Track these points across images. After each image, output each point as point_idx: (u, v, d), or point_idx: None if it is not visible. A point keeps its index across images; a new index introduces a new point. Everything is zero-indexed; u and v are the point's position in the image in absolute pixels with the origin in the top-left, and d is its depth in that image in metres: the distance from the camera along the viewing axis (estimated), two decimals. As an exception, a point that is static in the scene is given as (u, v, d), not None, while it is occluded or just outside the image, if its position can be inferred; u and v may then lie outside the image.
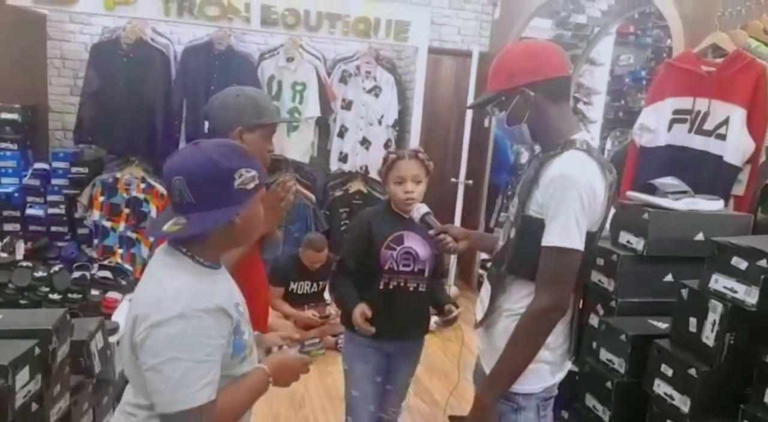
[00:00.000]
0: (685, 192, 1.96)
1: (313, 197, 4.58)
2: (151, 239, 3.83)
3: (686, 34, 2.74)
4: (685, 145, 2.41)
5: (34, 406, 1.52)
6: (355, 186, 4.72)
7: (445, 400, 3.08)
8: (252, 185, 1.10)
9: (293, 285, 3.75)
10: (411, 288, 1.92)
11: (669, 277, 1.87)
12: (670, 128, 2.49)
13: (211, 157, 1.08)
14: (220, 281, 1.15)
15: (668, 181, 2.01)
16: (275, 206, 1.68)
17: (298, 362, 1.30)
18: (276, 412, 2.92)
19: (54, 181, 4.03)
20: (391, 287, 1.90)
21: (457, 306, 1.94)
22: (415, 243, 1.92)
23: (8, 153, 3.99)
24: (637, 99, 6.31)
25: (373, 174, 4.53)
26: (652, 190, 1.96)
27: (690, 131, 2.40)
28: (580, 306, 1.59)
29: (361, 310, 1.82)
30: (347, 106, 4.57)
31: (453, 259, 4.61)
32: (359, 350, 1.96)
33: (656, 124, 2.53)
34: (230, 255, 1.43)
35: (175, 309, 1.03)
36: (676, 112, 2.46)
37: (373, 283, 1.90)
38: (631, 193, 2.03)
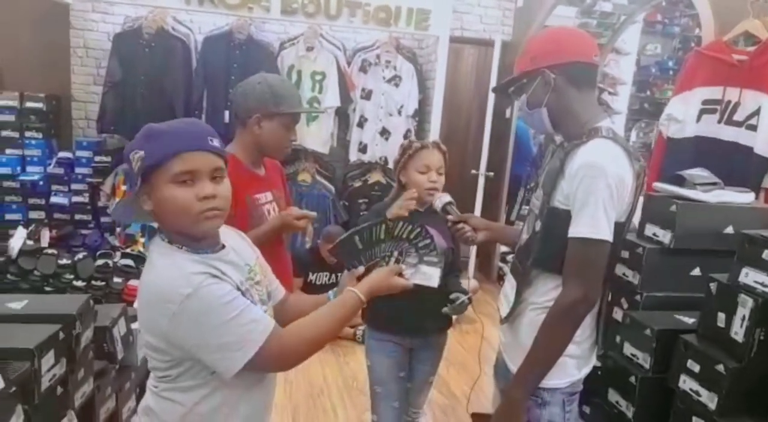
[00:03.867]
0: (714, 183, 1.91)
1: (332, 188, 4.58)
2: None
3: (716, 21, 2.65)
4: (714, 136, 2.35)
5: (59, 390, 1.54)
6: (375, 176, 4.71)
7: (462, 392, 3.08)
8: (137, 166, 1.06)
9: (311, 276, 3.77)
10: (441, 284, 1.88)
11: (696, 271, 1.82)
12: (698, 119, 2.42)
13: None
14: (213, 263, 1.12)
15: (697, 173, 1.96)
16: (289, 224, 1.75)
17: (391, 277, 1.25)
18: (295, 403, 2.94)
19: (78, 170, 4.09)
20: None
21: (465, 293, 1.89)
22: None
23: (33, 142, 4.06)
24: (663, 89, 6.19)
25: (393, 164, 4.50)
26: (680, 182, 1.91)
27: (720, 122, 2.33)
28: (608, 299, 1.56)
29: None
30: (367, 95, 4.54)
31: (473, 252, 4.58)
32: (381, 345, 1.95)
33: (684, 115, 2.47)
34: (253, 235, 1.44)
35: (179, 294, 1.03)
36: (705, 102, 2.40)
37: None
38: (658, 184, 1.98)
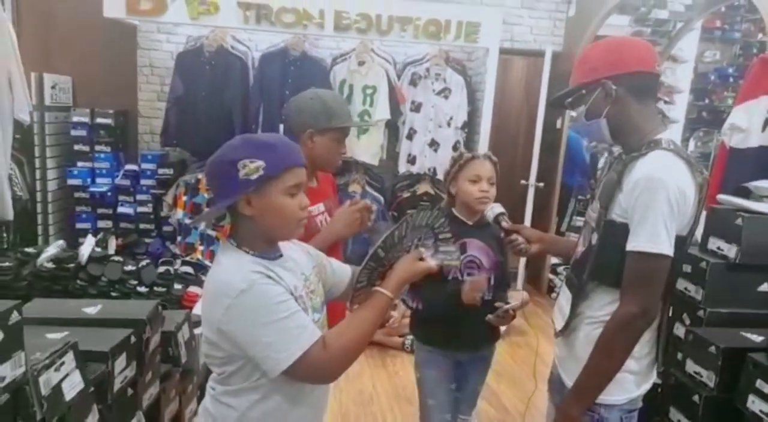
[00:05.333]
0: (783, 196, 1.83)
1: (381, 199, 4.63)
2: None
3: (784, 27, 2.56)
4: (782, 146, 2.26)
5: (129, 391, 1.63)
6: (423, 187, 4.73)
7: (512, 405, 3.04)
8: (256, 175, 1.11)
9: None
10: (484, 297, 1.85)
11: (764, 287, 1.75)
12: (764, 128, 2.33)
13: (222, 151, 1.16)
14: (273, 268, 1.17)
15: (763, 185, 1.89)
16: (351, 221, 1.74)
17: (414, 263, 1.26)
18: (345, 410, 2.98)
19: (143, 182, 4.31)
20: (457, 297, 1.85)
21: (507, 303, 1.86)
22: (478, 251, 1.86)
23: (103, 155, 4.31)
24: (723, 97, 5.94)
25: (441, 175, 4.51)
26: (746, 194, 1.85)
27: (788, 131, 2.24)
28: (669, 314, 1.52)
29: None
30: (416, 108, 4.59)
31: (522, 263, 4.52)
32: (431, 357, 1.94)
33: (748, 124, 2.39)
34: (314, 245, 1.48)
35: (235, 289, 1.09)
36: (772, 111, 2.31)
37: (437, 293, 1.84)
38: (722, 197, 1.92)
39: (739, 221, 1.73)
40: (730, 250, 1.74)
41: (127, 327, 1.64)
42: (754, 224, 1.72)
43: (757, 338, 1.62)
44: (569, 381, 1.43)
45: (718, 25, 6.07)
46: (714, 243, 1.80)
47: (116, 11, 3.93)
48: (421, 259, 1.28)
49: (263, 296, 1.10)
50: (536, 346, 2.13)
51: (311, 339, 1.12)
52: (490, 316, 1.82)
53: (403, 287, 1.27)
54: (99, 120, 4.26)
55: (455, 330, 1.86)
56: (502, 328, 3.85)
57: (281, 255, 1.24)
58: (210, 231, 4.18)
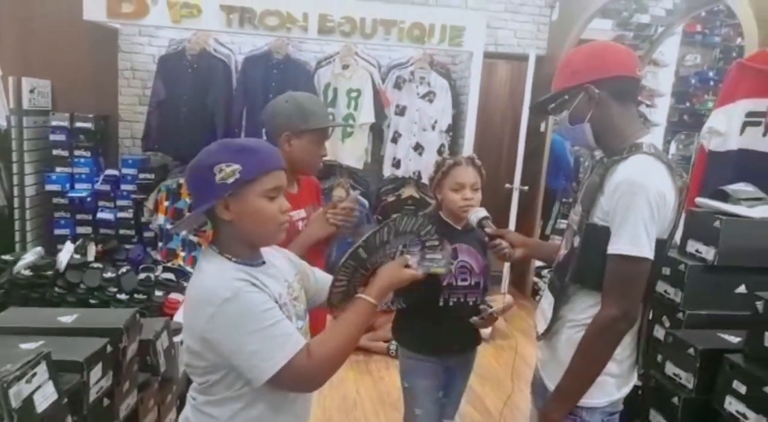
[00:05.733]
0: (760, 199, 1.86)
1: (366, 202, 4.62)
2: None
3: (761, 32, 2.59)
4: (759, 149, 2.29)
5: (106, 401, 1.59)
6: (408, 191, 4.73)
7: (496, 409, 3.04)
8: (232, 179, 1.11)
9: None
10: (471, 303, 1.86)
11: (742, 289, 1.77)
12: (742, 131, 2.37)
13: (200, 156, 1.16)
14: (256, 275, 1.16)
15: (741, 187, 1.91)
16: (324, 222, 1.72)
17: (399, 270, 1.24)
18: (329, 416, 2.95)
19: (123, 187, 4.25)
20: (451, 304, 1.84)
21: (490, 307, 1.86)
22: (468, 256, 1.86)
23: (82, 160, 4.24)
24: (704, 100, 6.04)
25: (426, 179, 4.52)
26: (724, 197, 1.87)
27: (765, 134, 2.28)
28: (649, 317, 1.52)
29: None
30: (401, 111, 4.59)
31: (506, 267, 4.53)
32: (419, 366, 1.91)
33: (726, 127, 2.41)
34: (291, 250, 1.46)
35: (219, 297, 1.08)
36: (749, 114, 2.34)
37: (432, 300, 1.83)
38: (700, 200, 1.94)
39: (717, 224, 1.74)
40: (708, 253, 1.76)
41: (103, 336, 1.61)
42: (732, 227, 1.74)
43: (734, 339, 1.64)
44: (551, 385, 1.44)
45: (698, 29, 6.17)
46: (692, 246, 1.82)
47: (96, 14, 3.89)
48: (407, 266, 1.27)
49: (248, 304, 1.09)
50: (515, 346, 2.14)
51: (296, 348, 1.11)
52: (474, 318, 1.82)
53: (387, 294, 1.26)
54: (79, 124, 4.20)
55: (443, 335, 1.85)
56: (487, 331, 3.88)
57: (264, 262, 1.22)
58: (192, 237, 4.13)
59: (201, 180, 1.13)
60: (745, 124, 2.35)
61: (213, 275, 1.13)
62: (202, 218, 1.20)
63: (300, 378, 1.12)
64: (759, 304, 1.52)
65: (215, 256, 1.17)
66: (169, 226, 4.14)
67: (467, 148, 4.38)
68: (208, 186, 1.12)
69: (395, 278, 1.25)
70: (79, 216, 4.23)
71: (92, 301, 3.57)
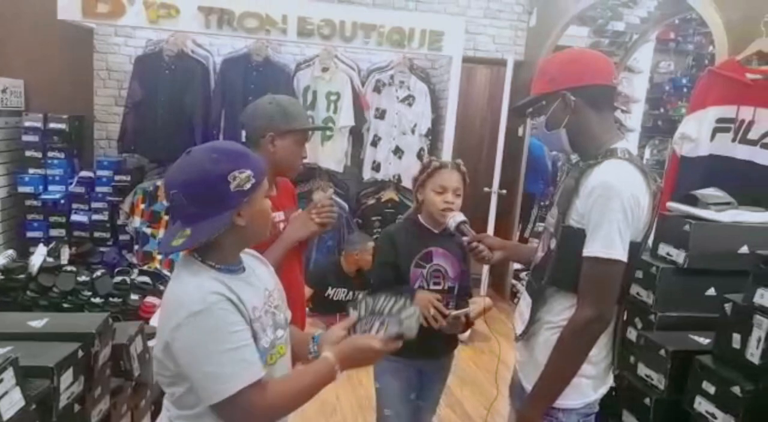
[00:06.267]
0: (728, 203, 1.90)
1: (346, 206, 4.62)
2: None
3: (729, 40, 2.66)
4: (728, 154, 2.34)
5: (77, 407, 1.57)
6: (388, 194, 4.74)
7: (476, 412, 3.05)
8: (249, 185, 1.11)
9: (330, 291, 3.79)
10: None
11: (711, 291, 1.81)
12: (712, 137, 2.42)
13: (202, 166, 1.09)
14: (237, 283, 1.15)
15: (711, 192, 1.95)
16: (306, 220, 1.71)
17: (368, 348, 1.23)
18: (307, 420, 2.93)
19: (98, 189, 4.18)
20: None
21: (467, 314, 1.86)
22: (443, 260, 1.87)
23: (56, 161, 4.16)
24: (677, 107, 6.16)
25: (406, 182, 4.54)
26: (694, 201, 1.91)
27: (734, 140, 2.33)
28: (624, 318, 1.55)
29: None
30: (381, 115, 4.60)
31: (485, 269, 4.56)
32: (392, 367, 1.91)
33: (698, 133, 2.46)
34: (268, 256, 1.46)
35: (189, 309, 1.06)
36: (719, 120, 2.39)
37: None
38: (671, 204, 1.98)
39: (687, 228, 1.78)
40: (679, 256, 1.79)
41: (74, 340, 1.59)
42: (701, 230, 1.78)
43: (704, 341, 1.68)
44: (528, 386, 1.45)
45: (672, 37, 6.30)
46: (664, 249, 1.86)
47: (71, 14, 3.82)
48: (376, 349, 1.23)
49: (217, 322, 1.06)
50: (498, 352, 2.14)
51: (253, 378, 1.08)
52: (450, 315, 1.80)
53: (352, 367, 1.23)
54: (52, 125, 4.11)
55: (414, 338, 1.84)
56: (466, 335, 3.89)
57: (244, 269, 1.21)
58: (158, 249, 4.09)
59: (213, 190, 1.08)
60: (715, 130, 2.40)
61: (189, 285, 1.10)
62: (221, 229, 1.11)
63: (246, 411, 1.08)
64: (727, 306, 1.55)
65: (196, 264, 1.14)
66: (146, 229, 4.08)
67: (446, 151, 4.41)
68: (223, 195, 1.09)
69: (365, 359, 1.24)
70: (52, 219, 4.15)
71: (66, 305, 3.49)
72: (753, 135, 2.25)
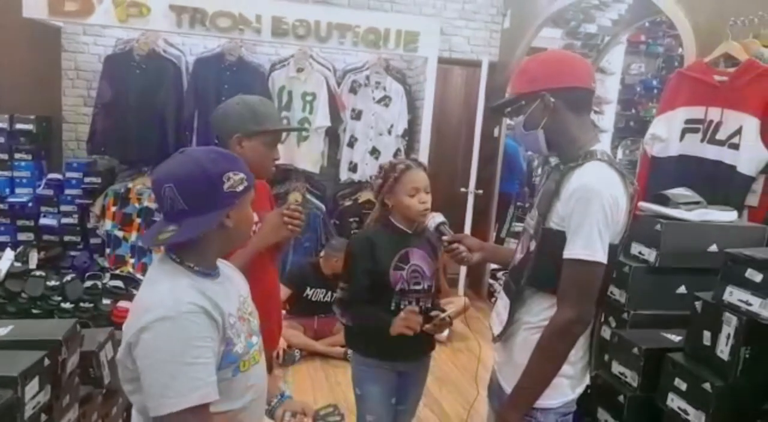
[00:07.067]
0: (698, 202, 1.94)
1: (323, 207, 4.59)
2: (162, 248, 3.88)
3: (698, 43, 2.72)
4: (697, 154, 2.39)
5: (43, 417, 1.52)
6: (365, 195, 4.71)
7: (454, 412, 3.06)
8: (241, 187, 1.13)
9: (309, 291, 3.77)
10: (423, 307, 1.86)
11: (682, 289, 1.84)
12: (682, 138, 2.46)
13: (199, 163, 1.10)
14: (213, 288, 1.14)
15: (681, 192, 1.99)
16: (279, 224, 1.69)
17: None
18: None
19: (67, 191, 4.07)
20: (402, 307, 1.82)
21: (443, 310, 1.86)
22: (420, 260, 1.86)
23: (23, 163, 4.03)
24: (648, 108, 6.28)
25: (376, 188, 4.52)
26: (664, 201, 1.94)
27: (702, 141, 2.38)
28: (602, 319, 1.57)
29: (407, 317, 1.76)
30: (357, 116, 4.58)
31: (463, 269, 4.58)
32: (371, 372, 1.89)
33: (668, 134, 2.51)
34: (237, 258, 1.43)
35: (160, 313, 1.04)
36: (688, 121, 2.44)
37: (384, 304, 1.82)
38: (642, 204, 2.01)
39: (658, 227, 1.81)
40: (651, 255, 1.82)
41: (40, 348, 1.53)
42: (672, 230, 1.81)
43: (676, 338, 1.70)
44: (507, 387, 1.45)
45: (642, 39, 6.42)
46: (636, 249, 1.88)
47: (37, 12, 3.72)
48: None
49: (182, 332, 1.04)
50: (479, 352, 2.15)
51: (203, 399, 1.04)
52: (427, 326, 1.80)
53: None
54: (19, 126, 3.98)
55: (394, 340, 1.83)
56: (444, 335, 3.90)
57: (219, 275, 1.19)
58: (142, 243, 4.00)
59: (206, 188, 1.09)
60: (685, 131, 2.45)
61: (164, 288, 1.08)
62: (211, 227, 1.12)
63: None
64: (697, 304, 1.58)
65: (172, 265, 1.12)
66: (117, 232, 3.98)
67: (423, 152, 4.42)
68: (216, 194, 1.10)
69: None
70: (19, 223, 4.03)
71: (35, 311, 3.40)
72: (721, 135, 2.30)
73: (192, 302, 1.06)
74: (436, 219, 1.80)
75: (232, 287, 1.21)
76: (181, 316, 1.04)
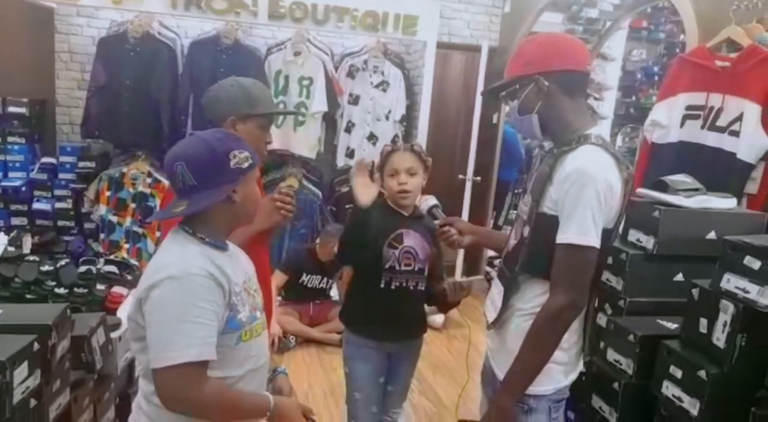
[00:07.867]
0: (697, 189, 1.91)
1: (319, 193, 4.56)
2: (158, 234, 3.87)
3: (700, 28, 2.68)
4: (697, 141, 2.36)
5: (33, 402, 1.51)
6: (362, 182, 4.69)
7: (449, 399, 3.07)
8: (246, 164, 1.21)
9: (305, 277, 3.76)
10: (412, 288, 1.89)
11: (679, 276, 1.83)
12: (682, 124, 2.44)
13: (207, 142, 1.20)
14: (221, 258, 1.21)
15: (680, 178, 1.96)
16: (271, 210, 1.67)
17: (299, 413, 1.30)
18: (280, 408, 2.91)
19: (61, 175, 4.04)
20: (393, 287, 1.86)
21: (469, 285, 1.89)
22: (414, 242, 1.88)
23: (16, 147, 3.99)
24: (648, 94, 6.24)
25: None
26: (664, 187, 1.92)
27: (703, 127, 2.35)
28: (595, 305, 1.55)
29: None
30: (354, 101, 4.54)
31: (460, 255, 4.57)
32: (360, 351, 1.93)
33: (668, 120, 2.48)
34: (232, 240, 1.42)
35: (169, 271, 1.11)
36: (688, 107, 2.41)
37: (374, 281, 1.85)
38: (641, 190, 1.98)
39: (656, 214, 1.79)
40: (648, 242, 1.80)
41: (29, 332, 1.52)
42: (670, 217, 1.78)
43: (672, 326, 1.69)
44: (500, 374, 1.44)
45: (644, 25, 6.36)
46: (633, 236, 1.86)
47: (29, -8, 3.66)
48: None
49: (189, 291, 1.10)
50: (470, 336, 2.15)
51: (199, 357, 1.09)
52: (449, 281, 1.84)
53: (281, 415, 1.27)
54: (12, 109, 3.93)
55: (383, 318, 1.86)
56: (439, 321, 3.91)
57: (228, 249, 1.27)
58: (137, 228, 3.99)
59: (215, 163, 1.18)
60: (685, 117, 2.42)
61: (175, 254, 1.16)
62: (217, 199, 1.19)
63: (180, 387, 1.10)
64: (695, 291, 1.57)
65: (184, 236, 1.20)
66: (111, 217, 3.96)
67: (421, 138, 4.37)
68: (223, 170, 1.18)
69: (293, 410, 1.28)
70: (13, 207, 3.99)
71: (28, 296, 3.36)
72: (721, 122, 2.27)
73: (200, 266, 1.13)
74: (428, 201, 1.82)
75: (238, 263, 1.28)
76: (188, 277, 1.11)
